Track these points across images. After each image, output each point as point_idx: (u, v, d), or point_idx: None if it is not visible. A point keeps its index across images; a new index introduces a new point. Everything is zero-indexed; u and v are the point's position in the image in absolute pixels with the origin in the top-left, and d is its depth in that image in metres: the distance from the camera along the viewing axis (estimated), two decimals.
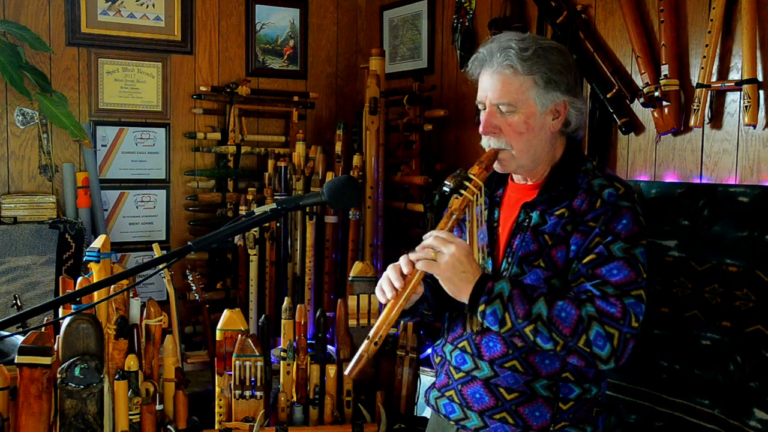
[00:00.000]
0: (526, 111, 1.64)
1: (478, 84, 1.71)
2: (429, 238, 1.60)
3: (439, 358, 1.82)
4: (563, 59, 1.67)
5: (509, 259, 1.67)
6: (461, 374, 1.72)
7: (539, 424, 1.63)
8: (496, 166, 1.69)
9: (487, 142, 1.68)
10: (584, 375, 1.66)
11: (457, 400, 1.72)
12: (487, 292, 1.56)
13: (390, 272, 1.62)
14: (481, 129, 1.68)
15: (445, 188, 1.65)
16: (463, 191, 1.62)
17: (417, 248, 1.62)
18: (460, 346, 1.74)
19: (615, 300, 1.53)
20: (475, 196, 1.63)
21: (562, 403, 1.64)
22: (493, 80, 1.65)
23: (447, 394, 1.75)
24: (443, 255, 1.56)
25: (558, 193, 1.66)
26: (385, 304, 1.60)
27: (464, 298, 1.59)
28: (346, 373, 1.52)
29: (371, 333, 1.56)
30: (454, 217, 1.63)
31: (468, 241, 1.67)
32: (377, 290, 1.65)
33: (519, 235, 1.67)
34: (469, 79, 1.75)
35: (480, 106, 1.70)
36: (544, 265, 1.62)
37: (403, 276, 1.60)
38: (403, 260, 1.62)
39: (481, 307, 1.56)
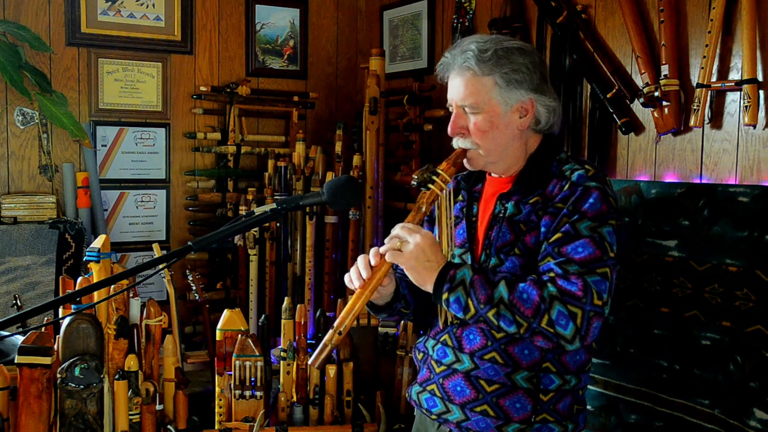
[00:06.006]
0: (489, 111, 1.67)
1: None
2: (396, 229, 1.63)
3: (421, 354, 1.84)
4: (526, 58, 1.68)
5: (488, 251, 1.70)
6: (443, 367, 1.73)
7: (520, 415, 1.64)
8: (465, 164, 1.73)
9: (457, 143, 1.73)
10: (565, 366, 1.67)
11: (438, 394, 1.73)
12: (450, 279, 1.58)
13: (359, 262, 1.64)
14: (449, 130, 1.72)
15: (413, 182, 1.69)
16: (430, 185, 1.65)
17: (386, 240, 1.64)
18: (441, 339, 1.75)
19: (576, 278, 1.52)
20: (443, 191, 1.66)
21: (542, 394, 1.65)
22: (456, 82, 1.71)
23: (428, 388, 1.76)
24: (408, 244, 1.59)
25: (531, 181, 1.69)
26: (353, 295, 1.62)
27: (429, 287, 1.61)
28: (309, 362, 1.53)
29: (336, 323, 1.57)
30: (422, 210, 1.66)
31: (438, 234, 1.71)
32: (346, 280, 1.67)
33: (496, 227, 1.69)
34: (440, 83, 1.79)
35: (450, 108, 1.75)
36: (519, 252, 1.65)
37: (371, 267, 1.62)
38: (372, 252, 1.64)
39: (445, 296, 1.58)
